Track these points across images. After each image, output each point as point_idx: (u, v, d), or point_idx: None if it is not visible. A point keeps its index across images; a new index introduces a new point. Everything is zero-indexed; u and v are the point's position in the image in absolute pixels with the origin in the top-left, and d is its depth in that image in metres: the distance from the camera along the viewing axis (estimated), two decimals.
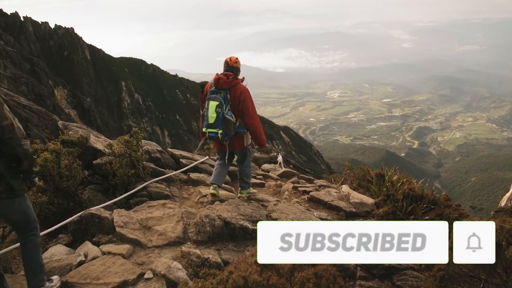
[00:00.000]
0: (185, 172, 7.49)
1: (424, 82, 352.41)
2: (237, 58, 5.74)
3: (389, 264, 4.75)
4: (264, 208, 5.83)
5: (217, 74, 5.57)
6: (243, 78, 5.70)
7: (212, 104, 5.32)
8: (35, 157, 3.07)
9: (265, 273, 2.61)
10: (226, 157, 5.86)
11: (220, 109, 5.29)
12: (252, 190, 6.41)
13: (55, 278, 3.61)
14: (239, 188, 6.37)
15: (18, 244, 4.29)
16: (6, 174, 2.98)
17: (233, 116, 5.46)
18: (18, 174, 3.08)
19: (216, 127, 5.32)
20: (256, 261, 2.65)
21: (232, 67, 5.61)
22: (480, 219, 4.94)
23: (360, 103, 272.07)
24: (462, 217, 5.58)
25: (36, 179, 3.23)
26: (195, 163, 7.86)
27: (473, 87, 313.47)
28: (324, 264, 2.72)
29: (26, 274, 3.31)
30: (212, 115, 5.31)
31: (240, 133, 5.64)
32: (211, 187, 5.97)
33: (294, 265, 2.71)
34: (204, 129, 5.48)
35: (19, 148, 2.90)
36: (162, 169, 7.15)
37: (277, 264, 2.70)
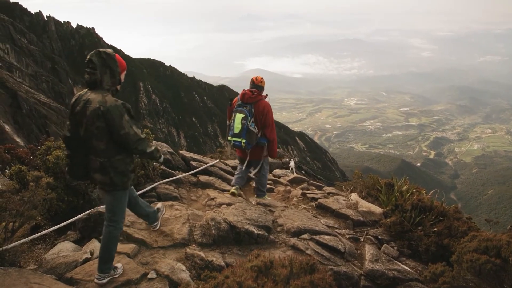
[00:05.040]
0: (194, 175, 7.54)
1: (442, 92, 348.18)
2: (262, 78, 6.43)
3: (394, 275, 4.72)
4: (271, 213, 5.84)
5: (243, 90, 6.23)
6: (267, 95, 6.34)
7: (238, 116, 6.00)
8: (153, 148, 3.80)
9: (261, 279, 2.60)
10: (245, 164, 6.53)
11: (245, 121, 5.96)
12: (267, 198, 6.81)
13: (119, 266, 3.94)
14: (255, 196, 6.85)
15: (27, 239, 4.39)
16: (110, 171, 3.59)
17: (256, 128, 6.10)
18: (121, 173, 3.66)
19: (240, 137, 5.99)
20: (252, 266, 2.64)
21: (257, 85, 6.31)
22: (495, 233, 4.86)
23: (377, 111, 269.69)
24: (471, 230, 5.50)
25: (162, 158, 4.07)
26: (205, 166, 7.90)
27: (493, 98, 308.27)
28: (321, 273, 2.72)
29: (99, 255, 3.81)
30: (237, 126, 5.98)
31: (260, 143, 6.27)
32: (233, 188, 6.61)
33: (290, 272, 2.70)
34: (229, 138, 6.15)
35: (135, 151, 3.64)
36: (172, 171, 7.21)
37: (273, 271, 2.70)
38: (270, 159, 11.49)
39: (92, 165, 3.63)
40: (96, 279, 3.74)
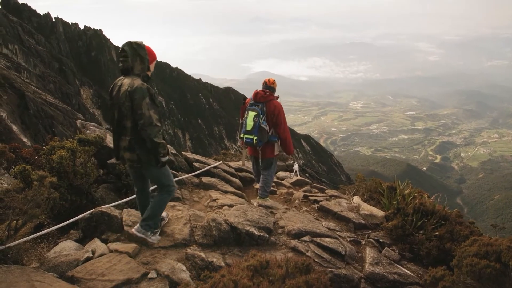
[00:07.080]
0: (197, 176, 7.57)
1: (449, 96, 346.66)
2: (274, 80, 6.75)
3: (394, 278, 4.72)
4: (272, 215, 5.85)
5: (256, 90, 6.53)
6: (278, 96, 6.66)
7: (251, 114, 6.30)
8: (161, 142, 3.94)
9: (256, 278, 2.62)
10: (260, 161, 6.77)
11: (257, 119, 6.25)
12: (269, 200, 6.81)
13: (156, 238, 4.44)
14: (257, 196, 6.86)
15: (30, 237, 4.44)
16: (136, 147, 4.00)
17: (267, 126, 6.36)
18: (146, 150, 4.01)
19: (252, 134, 6.26)
20: (248, 266, 2.66)
21: (269, 86, 6.62)
22: (497, 238, 4.84)
23: (383, 114, 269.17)
24: (473, 234, 5.48)
25: (166, 158, 4.12)
26: (208, 167, 7.93)
27: (500, 103, 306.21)
28: (316, 273, 2.73)
29: (144, 216, 4.34)
30: (250, 123, 6.27)
31: (271, 141, 6.51)
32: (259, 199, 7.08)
33: (286, 272, 2.72)
34: (241, 135, 6.43)
35: (144, 133, 3.87)
36: (175, 172, 7.23)
37: (269, 271, 2.72)
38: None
39: (122, 144, 4.05)
40: (135, 228, 4.32)
